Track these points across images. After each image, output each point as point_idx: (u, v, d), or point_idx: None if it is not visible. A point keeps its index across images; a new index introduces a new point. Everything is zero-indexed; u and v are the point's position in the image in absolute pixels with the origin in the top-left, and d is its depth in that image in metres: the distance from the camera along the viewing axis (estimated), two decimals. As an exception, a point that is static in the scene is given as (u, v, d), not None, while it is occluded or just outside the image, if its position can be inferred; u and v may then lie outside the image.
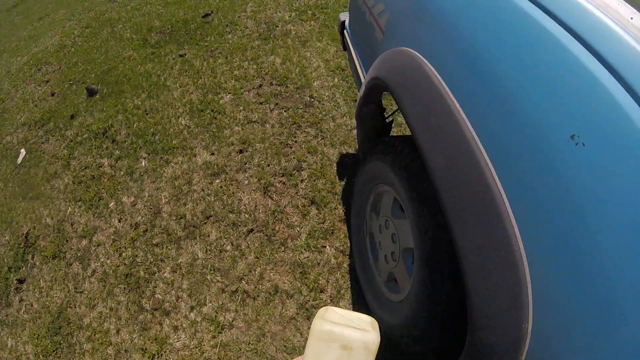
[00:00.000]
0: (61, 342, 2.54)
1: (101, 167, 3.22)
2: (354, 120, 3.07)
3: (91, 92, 3.94)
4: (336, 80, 3.50)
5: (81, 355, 2.43)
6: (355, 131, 3.00)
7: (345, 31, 2.46)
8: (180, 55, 4.21)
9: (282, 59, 3.84)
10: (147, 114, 3.55)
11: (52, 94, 4.30)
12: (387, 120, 1.96)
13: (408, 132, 3.08)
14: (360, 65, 2.11)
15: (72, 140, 3.56)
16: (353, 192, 2.12)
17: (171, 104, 3.59)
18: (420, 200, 1.31)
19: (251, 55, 3.99)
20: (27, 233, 3.12)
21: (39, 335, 2.64)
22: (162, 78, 3.93)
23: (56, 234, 3.00)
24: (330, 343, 0.60)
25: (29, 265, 2.99)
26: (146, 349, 2.30)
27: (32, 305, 2.80)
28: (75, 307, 2.62)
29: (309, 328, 2.16)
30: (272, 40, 4.21)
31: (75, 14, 6.41)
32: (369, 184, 1.85)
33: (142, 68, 4.16)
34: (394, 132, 3.05)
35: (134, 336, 2.36)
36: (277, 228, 2.53)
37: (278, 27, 4.43)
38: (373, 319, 0.68)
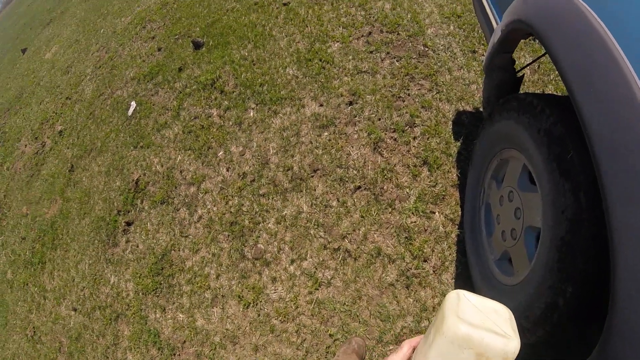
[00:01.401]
0: (162, 282, 3.02)
1: (210, 117, 3.64)
2: (471, 74, 3.01)
3: (197, 45, 4.40)
4: (452, 27, 3.42)
5: (179, 297, 2.86)
6: (472, 86, 2.94)
7: None
8: (284, 4, 4.45)
9: (392, 3, 3.85)
10: (254, 64, 3.87)
11: (159, 49, 4.93)
12: (517, 75, 1.87)
13: (537, 91, 2.83)
14: (489, 6, 2.01)
15: (180, 92, 4.08)
16: (472, 155, 2.07)
17: (278, 53, 3.85)
18: (561, 172, 1.22)
19: (358, 1, 4.06)
20: (137, 179, 3.71)
21: (141, 275, 3.16)
22: (267, 28, 4.21)
23: (165, 180, 3.51)
24: (464, 349, 0.59)
25: (137, 209, 3.58)
26: (243, 296, 2.59)
27: (137, 247, 3.36)
28: (179, 251, 3.07)
29: (407, 297, 2.28)
30: None
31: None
32: (493, 148, 1.78)
33: (246, 19, 4.50)
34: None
35: (233, 283, 2.68)
36: (385, 187, 2.61)
37: None
38: (510, 312, 0.66)
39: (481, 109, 2.75)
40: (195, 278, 2.83)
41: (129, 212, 3.58)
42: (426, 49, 3.30)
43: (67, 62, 7.13)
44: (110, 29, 6.62)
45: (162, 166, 3.61)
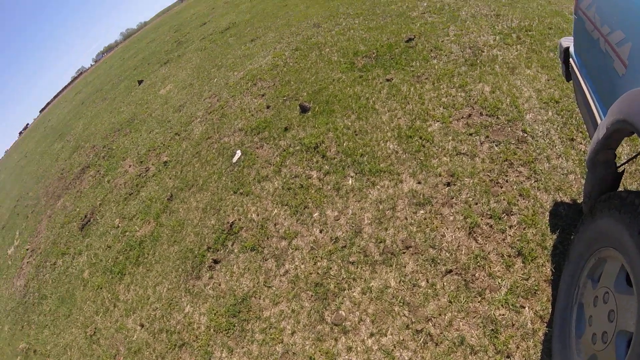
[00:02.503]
0: (236, 324, 3.06)
1: (310, 178, 3.81)
2: (569, 163, 2.96)
3: (304, 109, 4.71)
4: (550, 114, 3.43)
5: (250, 343, 2.88)
6: (570, 176, 2.88)
7: (570, 60, 2.28)
8: (387, 80, 4.70)
9: (492, 87, 3.95)
10: (356, 134, 4.06)
11: (267, 107, 5.30)
12: (618, 170, 1.80)
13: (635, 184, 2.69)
14: (593, 101, 1.97)
15: (284, 150, 4.32)
16: (568, 250, 1.99)
17: (379, 127, 4.03)
18: None
19: (458, 82, 4.21)
20: (232, 222, 3.88)
21: (217, 312, 3.23)
22: (371, 101, 4.44)
23: (259, 229, 3.64)
24: None
25: (227, 250, 3.72)
26: (314, 358, 2.56)
27: (219, 285, 3.46)
28: (259, 299, 3.12)
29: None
30: (478, 66, 4.37)
31: (284, 38, 7.76)
32: (591, 245, 1.71)
33: (351, 90, 4.78)
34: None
35: (307, 343, 2.66)
36: (477, 275, 2.56)
37: (483, 52, 4.59)
38: None
39: (579, 201, 2.68)
40: (269, 329, 2.85)
41: (218, 250, 3.74)
42: (525, 134, 3.31)
43: (179, 102, 7.75)
44: (223, 80, 7.20)
45: (257, 215, 3.78)
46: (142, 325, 3.65)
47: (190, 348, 3.13)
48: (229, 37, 10.32)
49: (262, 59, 7.14)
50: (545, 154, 3.11)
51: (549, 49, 4.32)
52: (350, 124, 4.23)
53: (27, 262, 7.49)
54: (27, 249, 7.96)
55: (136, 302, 4.00)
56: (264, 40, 8.28)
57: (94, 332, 4.09)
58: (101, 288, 4.66)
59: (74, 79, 76.73)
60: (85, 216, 6.44)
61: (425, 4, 6.55)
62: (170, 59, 12.42)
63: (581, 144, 3.09)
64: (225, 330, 3.06)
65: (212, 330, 3.13)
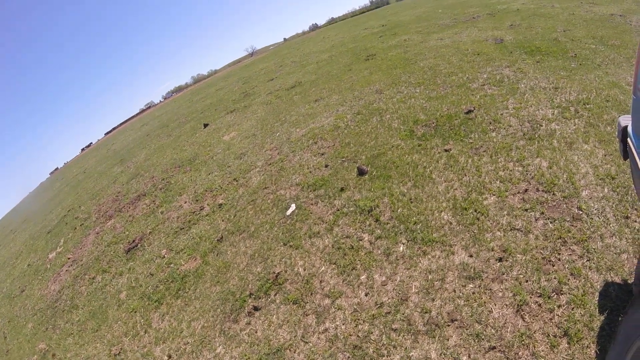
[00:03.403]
0: None
1: (361, 240, 3.84)
2: (623, 242, 2.87)
3: (361, 172, 4.84)
4: (606, 190, 3.38)
5: None
6: (623, 255, 2.78)
7: (628, 139, 2.27)
8: (445, 150, 4.78)
9: (549, 162, 3.94)
10: (411, 202, 4.10)
11: (326, 166, 5.47)
12: None
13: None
14: None
15: (338, 210, 4.40)
16: (615, 331, 1.93)
17: (435, 196, 4.06)
18: None
19: (516, 156, 4.22)
20: (278, 273, 3.92)
21: (249, 359, 3.20)
22: (428, 170, 4.52)
23: (304, 284, 3.66)
24: None
25: (269, 299, 3.73)
26: None
27: (256, 332, 3.45)
28: (294, 352, 3.09)
29: None
30: (537, 140, 4.38)
31: (347, 101, 8.10)
32: (638, 327, 1.69)
33: (409, 157, 4.89)
34: None
35: None
36: (520, 353, 2.48)
37: (542, 126, 4.61)
38: None
39: (630, 282, 2.60)
40: (300, 385, 2.80)
41: (260, 298, 3.76)
42: (580, 212, 3.26)
43: (241, 149, 8.12)
44: (286, 135, 7.54)
45: (304, 270, 3.82)
46: (169, 357, 3.68)
47: (215, 389, 3.09)
48: (294, 95, 10.85)
49: (325, 119, 7.45)
50: (599, 232, 3.06)
51: (606, 123, 4.32)
52: (406, 191, 4.29)
53: (66, 270, 7.76)
54: (69, 258, 8.26)
55: (168, 332, 4.04)
56: (328, 102, 8.66)
57: (119, 352, 4.14)
58: (135, 312, 4.75)
59: (142, 111, 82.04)
60: (134, 241, 6.67)
61: (485, 76, 6.71)
62: (236, 108, 13.13)
63: (635, 222, 3.02)
64: (255, 378, 3.01)
65: (241, 377, 3.11)
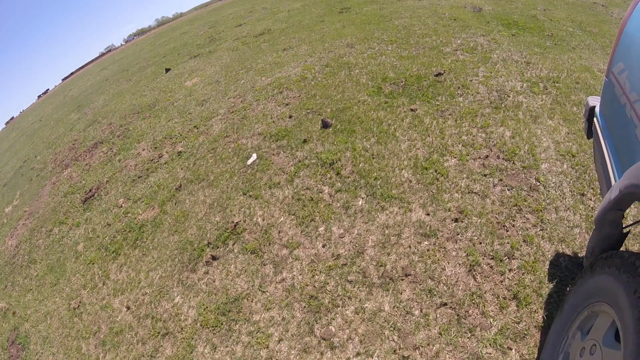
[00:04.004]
0: (224, 323, 3.06)
1: (321, 193, 3.83)
2: (577, 217, 3.00)
3: (325, 125, 4.76)
4: (565, 166, 3.49)
5: (235, 343, 2.88)
6: (576, 230, 2.91)
7: (594, 119, 2.37)
8: (412, 110, 4.75)
9: (512, 132, 4.00)
10: (373, 157, 4.09)
11: (290, 117, 5.35)
12: (623, 231, 1.87)
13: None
14: (611, 162, 2.04)
15: (300, 161, 4.36)
16: (563, 300, 2.04)
17: (397, 154, 4.07)
18: None
19: (481, 122, 4.26)
20: (236, 223, 3.90)
21: (206, 308, 3.24)
22: (392, 128, 4.49)
23: (262, 234, 3.66)
24: None
25: (227, 249, 3.73)
26: None
27: (214, 281, 3.47)
28: (251, 302, 3.13)
29: None
30: (502, 110, 4.42)
31: (316, 52, 7.86)
32: (586, 299, 1.78)
33: (374, 114, 4.84)
34: None
35: (292, 352, 2.67)
36: (470, 311, 2.58)
37: (509, 97, 4.65)
38: None
39: (580, 255, 2.71)
40: (257, 333, 2.86)
41: (218, 247, 3.75)
42: (538, 183, 3.36)
43: (203, 96, 7.84)
44: (250, 83, 7.30)
45: (263, 220, 3.80)
46: (128, 308, 3.66)
47: (173, 338, 3.14)
48: (262, 42, 10.46)
49: (292, 69, 7.23)
50: (554, 204, 3.15)
51: (573, 103, 4.39)
52: (369, 146, 4.27)
53: (23, 224, 7.50)
54: (25, 211, 7.99)
55: (126, 283, 4.00)
56: (296, 52, 8.40)
57: (78, 306, 4.09)
58: (93, 264, 4.67)
59: (102, 54, 77.88)
60: (90, 190, 6.47)
61: (459, 42, 6.65)
62: (200, 53, 12.60)
63: (591, 199, 3.13)
64: (212, 327, 3.06)
65: (198, 324, 3.13)
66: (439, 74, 5.44)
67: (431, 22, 8.19)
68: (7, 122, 71.28)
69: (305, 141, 4.65)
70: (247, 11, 19.66)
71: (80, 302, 4.13)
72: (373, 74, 5.99)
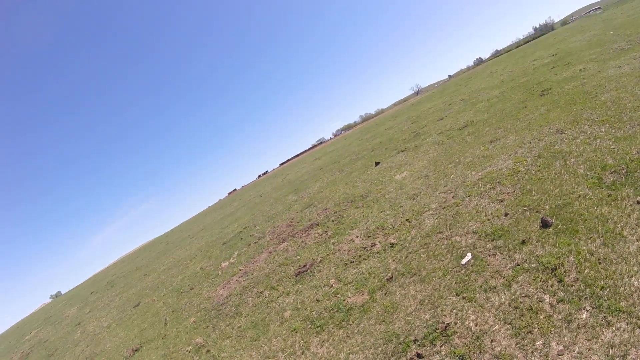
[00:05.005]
0: None
1: (541, 302, 3.59)
2: None
3: (545, 224, 4.51)
4: None
5: None
6: None
7: None
8: (638, 202, 4.21)
9: None
10: (599, 263, 3.70)
11: (505, 214, 5.25)
12: None
13: None
14: None
15: (518, 264, 4.18)
16: None
17: (626, 258, 3.61)
18: None
19: None
20: (447, 324, 3.89)
21: None
22: (619, 226, 4.02)
23: (473, 340, 3.57)
24: None
25: (434, 349, 3.71)
26: None
27: None
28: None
29: None
30: None
31: (525, 142, 7.61)
32: None
33: (597, 210, 4.41)
34: None
35: None
36: None
37: None
38: None
39: None
40: None
41: (425, 346, 3.78)
42: None
43: (414, 190, 8.25)
44: (460, 178, 7.45)
45: (476, 325, 3.71)
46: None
47: None
48: (467, 135, 10.60)
49: (502, 162, 7.14)
50: None
51: None
52: (594, 249, 3.90)
53: (236, 280, 8.83)
54: (240, 270, 9.44)
55: (325, 359, 4.29)
56: (504, 143, 8.27)
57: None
58: (296, 332, 5.18)
59: (314, 146, 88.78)
60: (304, 265, 7.31)
61: None
62: (407, 147, 13.40)
63: None
64: None
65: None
66: (662, 155, 4.74)
67: (639, 91, 7.27)
68: (230, 193, 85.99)
69: (523, 242, 4.47)
70: (445, 104, 20.30)
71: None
72: (590, 162, 5.53)
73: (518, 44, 49.41)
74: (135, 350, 8.15)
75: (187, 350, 6.59)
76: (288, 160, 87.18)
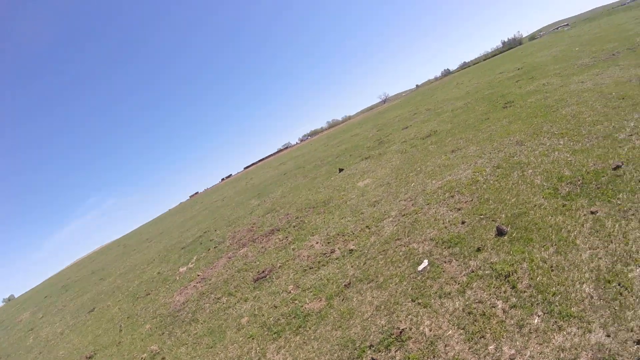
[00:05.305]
0: None
1: (494, 307, 3.65)
2: None
3: (500, 232, 4.62)
4: None
5: None
6: None
7: None
8: (592, 212, 4.35)
9: None
10: (552, 270, 3.80)
11: (463, 222, 5.35)
12: None
13: None
14: None
15: (473, 271, 4.25)
16: None
17: (577, 265, 3.72)
18: None
19: None
20: (402, 329, 3.90)
21: None
22: (572, 235, 4.15)
23: (427, 345, 3.59)
24: None
25: (389, 354, 3.72)
26: None
27: None
28: None
29: None
30: None
31: (486, 153, 7.83)
32: None
33: (552, 219, 4.54)
34: None
35: None
36: None
37: None
38: None
39: None
40: None
41: (380, 351, 3.78)
42: None
43: (375, 197, 8.32)
44: (421, 186, 7.56)
45: (430, 330, 3.74)
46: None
47: None
48: (430, 144, 10.82)
49: (462, 171, 7.30)
50: None
51: None
52: (547, 257, 4.00)
53: (194, 286, 8.63)
54: (199, 275, 9.22)
55: None
56: (465, 153, 8.49)
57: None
58: (253, 339, 5.09)
59: (280, 150, 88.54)
60: (263, 271, 7.21)
61: (632, 125, 6.04)
62: (371, 155, 13.56)
63: None
64: None
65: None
66: (617, 167, 4.98)
67: (599, 106, 7.65)
68: (192, 196, 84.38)
69: (479, 249, 4.55)
70: (411, 113, 20.72)
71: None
72: (547, 173, 5.72)
73: (486, 57, 51.02)
74: (89, 358, 7.80)
75: (141, 358, 6.34)
76: (253, 164, 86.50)
